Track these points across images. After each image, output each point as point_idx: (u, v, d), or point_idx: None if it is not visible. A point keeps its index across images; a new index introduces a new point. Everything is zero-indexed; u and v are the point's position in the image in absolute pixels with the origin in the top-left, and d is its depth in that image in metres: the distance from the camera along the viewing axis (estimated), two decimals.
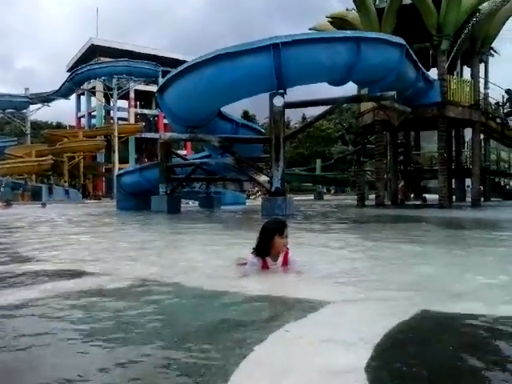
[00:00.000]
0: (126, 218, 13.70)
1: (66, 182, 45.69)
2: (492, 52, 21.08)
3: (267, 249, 3.63)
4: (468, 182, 23.57)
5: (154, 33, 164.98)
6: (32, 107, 51.44)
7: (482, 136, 20.83)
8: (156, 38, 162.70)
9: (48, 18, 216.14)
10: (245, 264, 3.78)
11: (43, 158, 41.27)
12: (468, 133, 22.85)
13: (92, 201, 38.40)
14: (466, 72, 21.00)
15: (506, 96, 22.30)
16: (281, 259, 3.69)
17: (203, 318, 2.49)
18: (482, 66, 19.99)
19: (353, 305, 2.75)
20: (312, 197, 34.84)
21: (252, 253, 3.70)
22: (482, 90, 19.41)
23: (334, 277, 3.66)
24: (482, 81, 19.71)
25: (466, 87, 18.01)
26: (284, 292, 3.13)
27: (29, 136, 52.13)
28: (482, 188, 20.92)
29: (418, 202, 22.44)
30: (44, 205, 24.47)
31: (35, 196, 36.74)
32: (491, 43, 20.21)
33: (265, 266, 3.66)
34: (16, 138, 48.64)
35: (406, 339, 2.14)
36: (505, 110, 22.26)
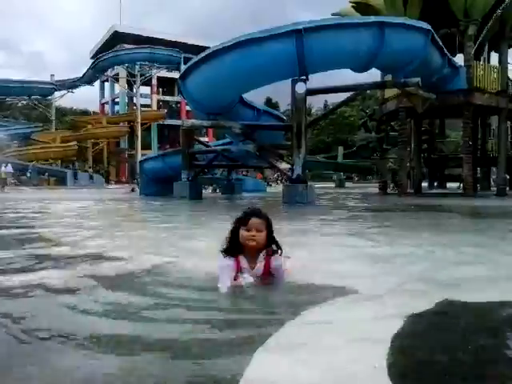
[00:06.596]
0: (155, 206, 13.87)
1: (90, 167, 46.51)
2: None
3: (237, 244, 2.79)
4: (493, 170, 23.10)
5: (171, 18, 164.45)
6: (57, 93, 52.22)
7: (508, 123, 20.35)
8: (174, 24, 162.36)
9: (66, 2, 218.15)
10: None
11: (68, 144, 42.15)
12: (495, 120, 22.32)
13: (115, 186, 39.01)
14: (494, 58, 20.48)
15: None
16: (260, 265, 2.81)
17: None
18: (510, 52, 19.46)
19: (378, 294, 2.71)
20: (333, 184, 34.65)
21: (221, 251, 2.83)
22: (510, 76, 18.91)
23: (360, 266, 3.63)
24: (510, 67, 19.21)
25: (494, 73, 17.56)
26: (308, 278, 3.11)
27: (53, 122, 53.01)
28: (507, 177, 20.48)
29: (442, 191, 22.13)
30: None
31: (60, 181, 37.55)
32: None
33: (238, 268, 2.77)
34: (42, 124, 49.57)
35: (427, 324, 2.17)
36: None
